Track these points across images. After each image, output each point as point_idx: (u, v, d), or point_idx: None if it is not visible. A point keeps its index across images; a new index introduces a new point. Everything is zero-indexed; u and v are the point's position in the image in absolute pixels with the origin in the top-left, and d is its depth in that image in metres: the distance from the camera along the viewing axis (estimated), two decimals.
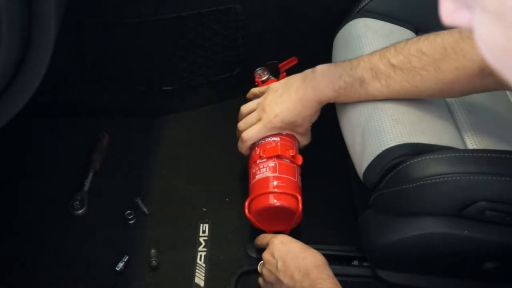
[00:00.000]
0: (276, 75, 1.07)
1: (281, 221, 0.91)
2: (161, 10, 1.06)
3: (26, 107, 0.71)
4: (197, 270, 0.95)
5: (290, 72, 1.00)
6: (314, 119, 0.94)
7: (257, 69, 1.08)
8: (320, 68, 0.88)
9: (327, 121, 0.93)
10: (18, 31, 0.65)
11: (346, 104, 0.89)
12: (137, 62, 1.14)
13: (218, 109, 1.22)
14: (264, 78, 1.06)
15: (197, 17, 1.08)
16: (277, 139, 0.95)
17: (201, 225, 1.01)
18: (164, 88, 1.17)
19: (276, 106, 0.92)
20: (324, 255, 0.81)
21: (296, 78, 0.92)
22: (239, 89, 1.21)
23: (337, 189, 1.05)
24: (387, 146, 0.79)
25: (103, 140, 1.13)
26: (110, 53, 1.12)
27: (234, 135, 1.02)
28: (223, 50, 1.15)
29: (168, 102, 1.20)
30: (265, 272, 0.84)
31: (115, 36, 1.09)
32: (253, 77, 1.08)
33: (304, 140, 0.98)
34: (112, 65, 1.13)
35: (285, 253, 0.81)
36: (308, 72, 0.90)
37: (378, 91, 0.83)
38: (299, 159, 0.95)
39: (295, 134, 0.96)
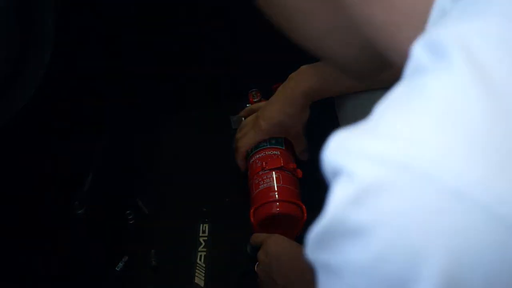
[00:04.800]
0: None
1: (282, 230, 0.92)
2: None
3: (25, 107, 0.71)
4: (197, 270, 0.95)
5: None
6: (303, 118, 0.94)
7: (251, 90, 1.10)
8: (303, 66, 0.90)
9: (327, 122, 0.93)
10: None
11: (345, 102, 0.89)
12: (137, 62, 1.14)
13: (219, 109, 1.22)
14: (256, 99, 1.09)
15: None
16: (278, 152, 0.97)
17: (201, 225, 1.01)
18: (164, 88, 1.18)
19: (266, 111, 0.95)
20: None
21: (284, 83, 0.94)
22: (240, 89, 1.21)
23: None
24: None
25: (103, 140, 1.13)
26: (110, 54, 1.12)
27: (234, 135, 1.02)
28: (223, 50, 1.15)
29: (168, 102, 1.20)
30: (260, 272, 0.84)
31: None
32: (247, 98, 1.10)
33: (298, 145, 0.99)
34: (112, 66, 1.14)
35: (279, 253, 0.81)
36: (293, 73, 0.92)
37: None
38: (300, 173, 0.96)
39: (289, 139, 0.98)
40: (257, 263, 0.87)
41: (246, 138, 0.97)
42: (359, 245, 0.28)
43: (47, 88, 0.77)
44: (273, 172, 0.94)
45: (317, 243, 0.31)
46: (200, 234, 1.00)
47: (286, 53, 1.16)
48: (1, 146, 1.10)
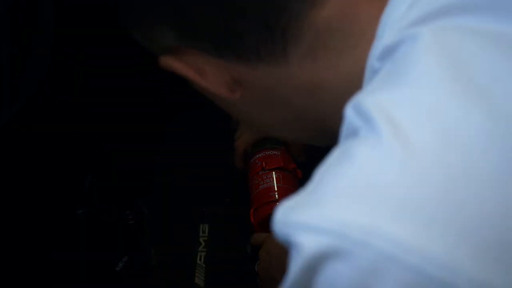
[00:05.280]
0: None
1: None
2: None
3: (26, 106, 0.71)
4: (197, 270, 0.95)
5: None
6: None
7: None
8: None
9: None
10: None
11: None
12: (137, 63, 1.14)
13: (219, 108, 1.22)
14: None
15: None
16: (278, 152, 0.97)
17: (201, 225, 1.01)
18: (164, 87, 1.17)
19: None
20: None
21: None
22: None
23: None
24: None
25: (104, 140, 1.13)
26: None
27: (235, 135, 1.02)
28: None
29: (168, 102, 1.20)
30: (260, 271, 0.84)
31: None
32: None
33: (295, 146, 0.99)
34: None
35: (280, 252, 0.82)
36: None
37: None
38: (300, 173, 0.96)
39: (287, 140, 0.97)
40: (257, 262, 0.87)
41: (244, 136, 0.98)
42: None
43: (48, 88, 0.77)
44: (273, 172, 0.94)
45: None
46: (200, 234, 1.00)
47: None
48: (1, 146, 1.11)
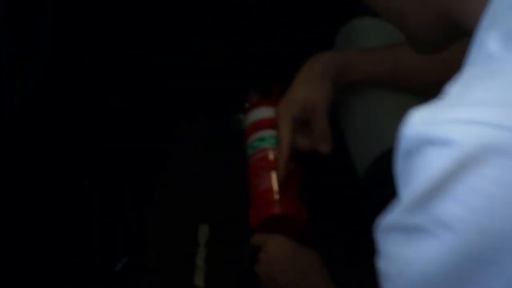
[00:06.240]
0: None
1: (283, 231, 0.91)
2: None
3: (26, 106, 0.71)
4: (197, 271, 0.95)
5: None
6: (328, 98, 0.88)
7: (251, 90, 1.06)
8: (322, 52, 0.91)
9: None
10: None
11: (347, 107, 0.89)
12: (137, 67, 1.14)
13: (218, 109, 1.22)
14: (256, 100, 1.05)
15: None
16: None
17: (201, 225, 1.01)
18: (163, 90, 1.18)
19: (292, 92, 0.90)
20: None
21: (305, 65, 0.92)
22: (240, 89, 1.21)
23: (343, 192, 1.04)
24: (388, 147, 0.79)
25: (104, 141, 1.13)
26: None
27: (235, 134, 1.02)
28: (222, 50, 1.15)
29: (167, 103, 1.20)
30: (260, 272, 0.84)
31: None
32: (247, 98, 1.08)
33: (320, 128, 0.90)
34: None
35: (280, 253, 0.82)
36: (313, 57, 0.91)
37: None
38: (301, 173, 0.95)
39: (313, 119, 0.90)
40: (257, 263, 0.87)
41: (280, 127, 0.89)
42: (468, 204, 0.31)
43: (48, 87, 0.77)
44: (273, 172, 0.94)
45: (411, 207, 0.33)
46: (200, 234, 1.00)
47: (286, 53, 1.16)
48: (1, 146, 1.10)
